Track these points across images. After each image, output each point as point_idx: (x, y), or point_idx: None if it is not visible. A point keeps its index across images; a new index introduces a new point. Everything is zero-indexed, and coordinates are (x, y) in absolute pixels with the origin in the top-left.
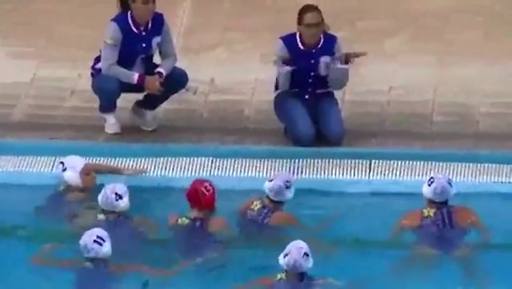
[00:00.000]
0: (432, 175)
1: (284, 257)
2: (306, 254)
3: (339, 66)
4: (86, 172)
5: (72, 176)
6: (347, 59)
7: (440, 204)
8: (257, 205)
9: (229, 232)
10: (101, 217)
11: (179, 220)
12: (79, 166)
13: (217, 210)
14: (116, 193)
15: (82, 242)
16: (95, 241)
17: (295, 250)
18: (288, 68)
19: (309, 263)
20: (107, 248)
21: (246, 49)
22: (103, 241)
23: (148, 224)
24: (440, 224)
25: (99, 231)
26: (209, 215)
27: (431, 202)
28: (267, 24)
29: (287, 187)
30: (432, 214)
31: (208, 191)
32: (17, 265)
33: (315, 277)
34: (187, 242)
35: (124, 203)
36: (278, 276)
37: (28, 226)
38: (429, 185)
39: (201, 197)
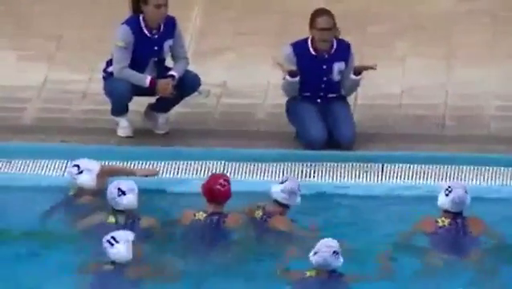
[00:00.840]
0: (449, 184)
1: (313, 255)
2: (335, 253)
3: (352, 77)
4: (102, 175)
5: (88, 179)
6: (358, 71)
7: (455, 214)
8: (259, 213)
9: (243, 230)
10: (111, 220)
11: (196, 214)
12: (95, 169)
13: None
14: (119, 189)
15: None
16: (108, 241)
17: (325, 249)
18: (292, 80)
19: (339, 262)
20: (122, 249)
21: (258, 52)
22: (116, 242)
23: (155, 225)
24: (454, 233)
25: (126, 234)
26: (223, 209)
27: (446, 212)
28: (278, 27)
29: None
30: (446, 224)
31: (223, 187)
32: (26, 270)
33: (346, 274)
34: (203, 237)
35: (128, 200)
36: (308, 273)
37: (38, 231)
38: (447, 195)
39: (217, 193)
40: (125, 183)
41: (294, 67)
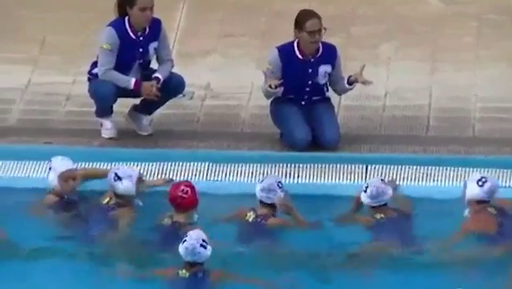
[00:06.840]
0: (481, 175)
1: (365, 191)
2: (384, 182)
3: (346, 86)
4: (64, 178)
5: (52, 177)
6: (352, 81)
7: (486, 202)
8: (251, 216)
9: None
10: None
11: (164, 220)
12: (59, 169)
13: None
14: (116, 174)
15: (188, 245)
16: (201, 245)
17: (375, 179)
18: (273, 91)
19: (390, 191)
20: (210, 252)
21: (242, 54)
22: (207, 244)
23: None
24: (501, 218)
25: (203, 235)
26: (191, 216)
27: (479, 202)
28: (262, 29)
29: (279, 187)
30: (495, 211)
31: (186, 193)
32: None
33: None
34: (160, 243)
35: (124, 186)
36: (377, 216)
37: (22, 231)
38: (481, 186)
39: (180, 201)
40: (123, 170)
41: (278, 75)
